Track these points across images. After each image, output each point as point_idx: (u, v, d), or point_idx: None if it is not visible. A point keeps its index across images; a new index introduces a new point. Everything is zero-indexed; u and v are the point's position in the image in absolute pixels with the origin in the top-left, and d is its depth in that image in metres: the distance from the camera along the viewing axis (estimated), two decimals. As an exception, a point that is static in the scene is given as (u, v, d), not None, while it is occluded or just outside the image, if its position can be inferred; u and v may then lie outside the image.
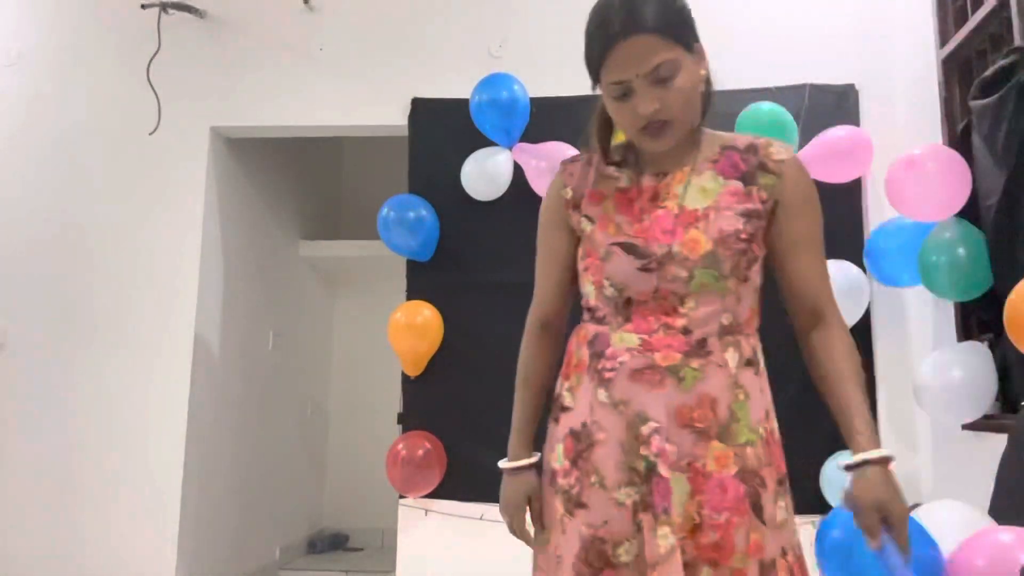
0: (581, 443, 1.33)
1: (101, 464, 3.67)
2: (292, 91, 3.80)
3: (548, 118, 3.50)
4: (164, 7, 3.81)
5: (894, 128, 3.28)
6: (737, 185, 1.32)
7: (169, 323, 3.72)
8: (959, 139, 2.65)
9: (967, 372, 2.47)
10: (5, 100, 3.97)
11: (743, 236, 1.29)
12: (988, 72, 2.38)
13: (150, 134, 3.80)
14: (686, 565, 1.23)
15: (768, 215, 1.32)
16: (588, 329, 1.37)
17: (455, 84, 3.57)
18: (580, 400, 1.35)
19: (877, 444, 1.22)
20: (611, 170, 1.40)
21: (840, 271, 3.07)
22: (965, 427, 2.61)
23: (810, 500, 3.06)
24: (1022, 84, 2.19)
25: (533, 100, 3.47)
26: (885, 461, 1.20)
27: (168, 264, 3.77)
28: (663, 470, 1.25)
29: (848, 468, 1.23)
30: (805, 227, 1.33)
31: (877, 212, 3.24)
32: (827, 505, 3.01)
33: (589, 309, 1.39)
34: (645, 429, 1.27)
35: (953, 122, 2.80)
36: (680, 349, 1.28)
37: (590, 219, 1.38)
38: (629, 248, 1.31)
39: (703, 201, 1.31)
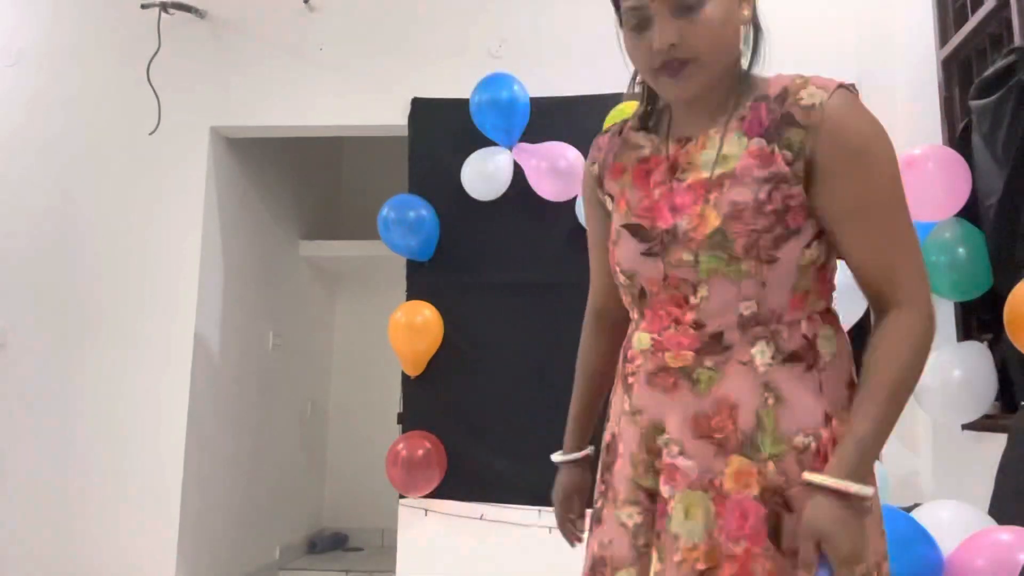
0: (609, 455, 1.22)
1: (101, 464, 3.67)
2: (292, 91, 3.80)
3: (548, 118, 3.50)
4: (164, 7, 3.81)
5: (894, 128, 3.24)
6: (760, 144, 1.06)
7: (169, 323, 3.72)
8: (959, 139, 2.65)
9: (967, 372, 2.47)
10: (5, 100, 3.97)
11: (767, 208, 1.04)
12: (988, 72, 2.39)
13: (150, 134, 3.80)
14: None
15: (801, 179, 1.05)
16: (629, 331, 1.24)
17: (455, 84, 3.57)
18: (614, 409, 1.24)
19: (844, 474, 1.00)
20: (639, 136, 1.20)
21: (840, 271, 3.08)
22: (965, 427, 2.61)
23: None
24: (1022, 84, 2.19)
25: (533, 100, 3.47)
26: (840, 495, 0.99)
27: (168, 264, 3.77)
28: (664, 490, 1.10)
29: (807, 484, 1.02)
30: (853, 191, 1.03)
31: (877, 212, 3.24)
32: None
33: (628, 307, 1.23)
34: (660, 441, 1.12)
35: (953, 122, 2.80)
36: (691, 347, 1.09)
37: (611, 197, 1.22)
38: (634, 230, 1.14)
39: (722, 168, 1.08)
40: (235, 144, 4.08)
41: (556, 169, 3.32)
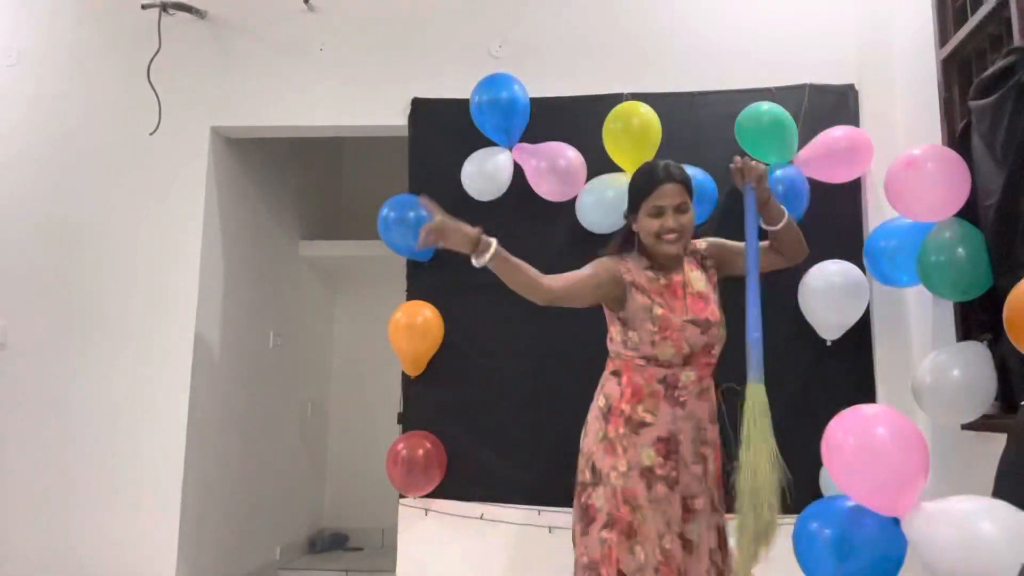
0: (671, 444, 2.20)
1: (101, 464, 3.67)
2: (292, 91, 3.80)
3: (548, 118, 3.50)
4: (164, 7, 3.81)
5: (894, 128, 3.28)
6: (703, 273, 2.37)
7: (169, 323, 3.72)
8: (959, 139, 2.65)
9: (967, 372, 2.47)
10: (5, 100, 3.97)
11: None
12: (988, 72, 2.39)
13: (150, 134, 3.81)
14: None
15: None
16: (653, 371, 2.22)
17: (455, 84, 3.57)
18: (661, 418, 2.20)
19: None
20: (648, 273, 2.30)
21: (840, 271, 3.07)
22: (965, 427, 2.61)
23: (810, 500, 3.05)
24: (1022, 84, 2.19)
25: (533, 100, 3.47)
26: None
27: (168, 264, 3.77)
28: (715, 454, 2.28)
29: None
30: (733, 252, 2.41)
31: (877, 212, 3.24)
32: (827, 505, 3.01)
33: (651, 358, 2.22)
34: (703, 431, 2.26)
35: (953, 122, 2.80)
36: (708, 375, 2.29)
37: (650, 299, 2.24)
38: (695, 323, 2.23)
39: (703, 287, 2.32)
40: (235, 144, 4.08)
41: (556, 169, 3.32)
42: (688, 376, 2.21)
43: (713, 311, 2.26)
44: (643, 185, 2.25)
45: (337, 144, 5.72)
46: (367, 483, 5.05)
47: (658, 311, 2.21)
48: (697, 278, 2.31)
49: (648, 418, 2.19)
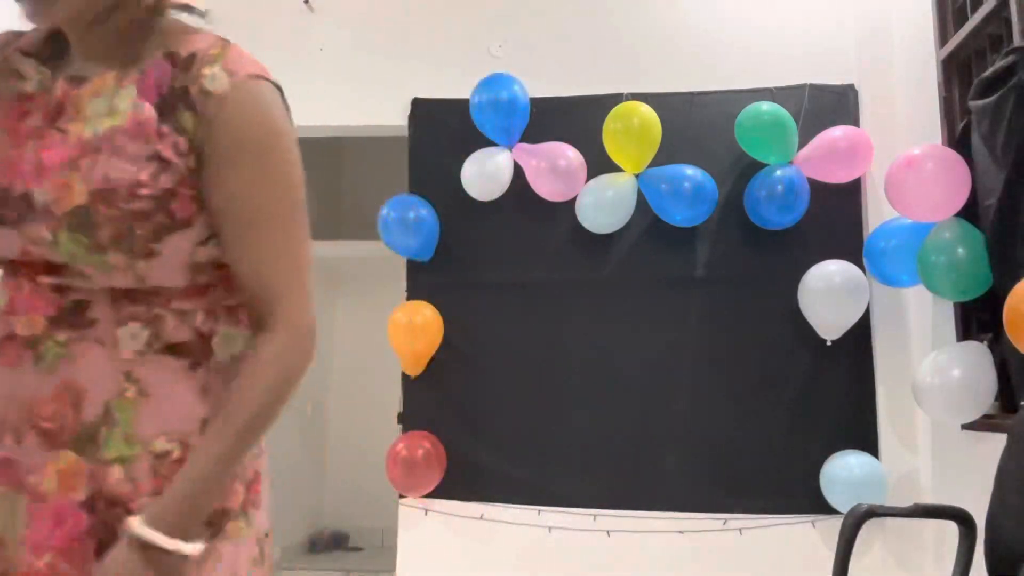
0: None
1: (101, 464, 3.67)
2: (292, 91, 3.75)
3: (548, 118, 3.50)
4: (164, 7, 3.81)
5: (894, 128, 3.28)
6: (151, 114, 0.89)
7: (169, 323, 3.71)
8: (959, 139, 2.65)
9: (967, 372, 2.47)
10: (5, 100, 3.96)
11: (144, 192, 0.86)
12: (988, 72, 2.39)
13: (150, 134, 3.80)
14: None
15: (193, 169, 0.90)
16: None
17: (455, 84, 3.57)
18: None
19: (162, 522, 0.83)
20: (26, 64, 1.01)
21: (840, 271, 3.08)
22: (965, 427, 2.61)
23: (810, 500, 3.06)
24: (1022, 84, 2.19)
25: (533, 100, 3.47)
26: (145, 547, 0.82)
27: (168, 264, 3.76)
28: None
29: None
30: (236, 187, 0.91)
31: (877, 212, 3.24)
32: (827, 505, 3.01)
33: None
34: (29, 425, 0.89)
35: (953, 122, 2.80)
36: (46, 312, 0.89)
37: None
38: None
39: (109, 123, 0.89)
40: (235, 144, 4.07)
41: (556, 169, 3.32)
42: None
43: (64, 185, 0.86)
44: None
45: (337, 144, 5.72)
46: (367, 483, 5.04)
47: None
48: (116, 108, 0.90)
49: None
